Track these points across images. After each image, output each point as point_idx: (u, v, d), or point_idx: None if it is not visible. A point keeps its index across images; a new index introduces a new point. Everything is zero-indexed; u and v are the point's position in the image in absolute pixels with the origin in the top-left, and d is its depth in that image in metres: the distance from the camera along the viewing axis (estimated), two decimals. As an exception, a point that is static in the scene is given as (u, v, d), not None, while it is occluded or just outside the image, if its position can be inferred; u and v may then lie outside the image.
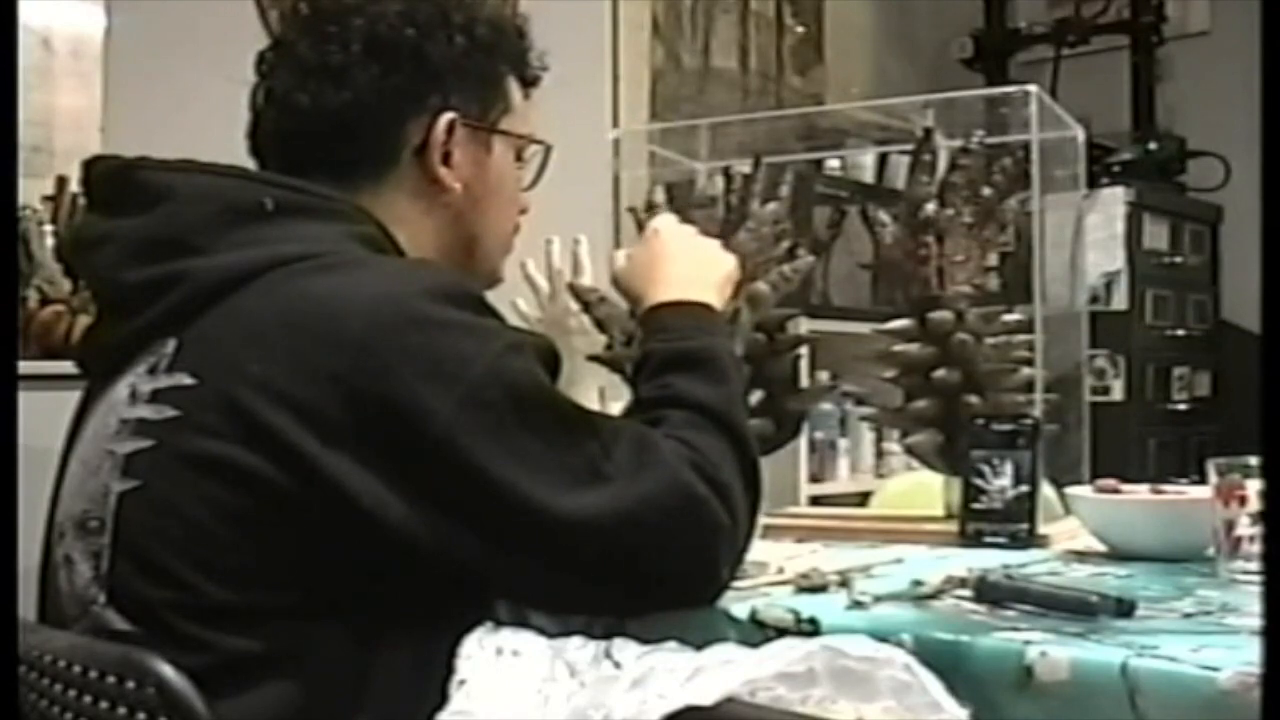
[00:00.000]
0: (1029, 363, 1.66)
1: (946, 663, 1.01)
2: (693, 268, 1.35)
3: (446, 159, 1.25)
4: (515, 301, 1.65)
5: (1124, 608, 1.10)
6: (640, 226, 1.50)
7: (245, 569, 1.04)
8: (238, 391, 1.04)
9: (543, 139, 1.36)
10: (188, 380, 1.08)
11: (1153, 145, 3.95)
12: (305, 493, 1.03)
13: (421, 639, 1.06)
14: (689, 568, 1.09)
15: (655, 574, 1.07)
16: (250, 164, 1.25)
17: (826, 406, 3.20)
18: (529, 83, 1.34)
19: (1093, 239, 3.35)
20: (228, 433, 1.04)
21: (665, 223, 1.41)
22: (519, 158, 1.34)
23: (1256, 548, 1.22)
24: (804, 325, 2.12)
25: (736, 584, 1.20)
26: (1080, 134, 1.86)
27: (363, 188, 1.22)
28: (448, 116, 1.24)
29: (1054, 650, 1.00)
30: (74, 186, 2.07)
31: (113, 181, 1.19)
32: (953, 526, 1.56)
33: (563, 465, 1.05)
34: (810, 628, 1.13)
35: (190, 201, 1.14)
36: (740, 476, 1.14)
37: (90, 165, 1.22)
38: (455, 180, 1.25)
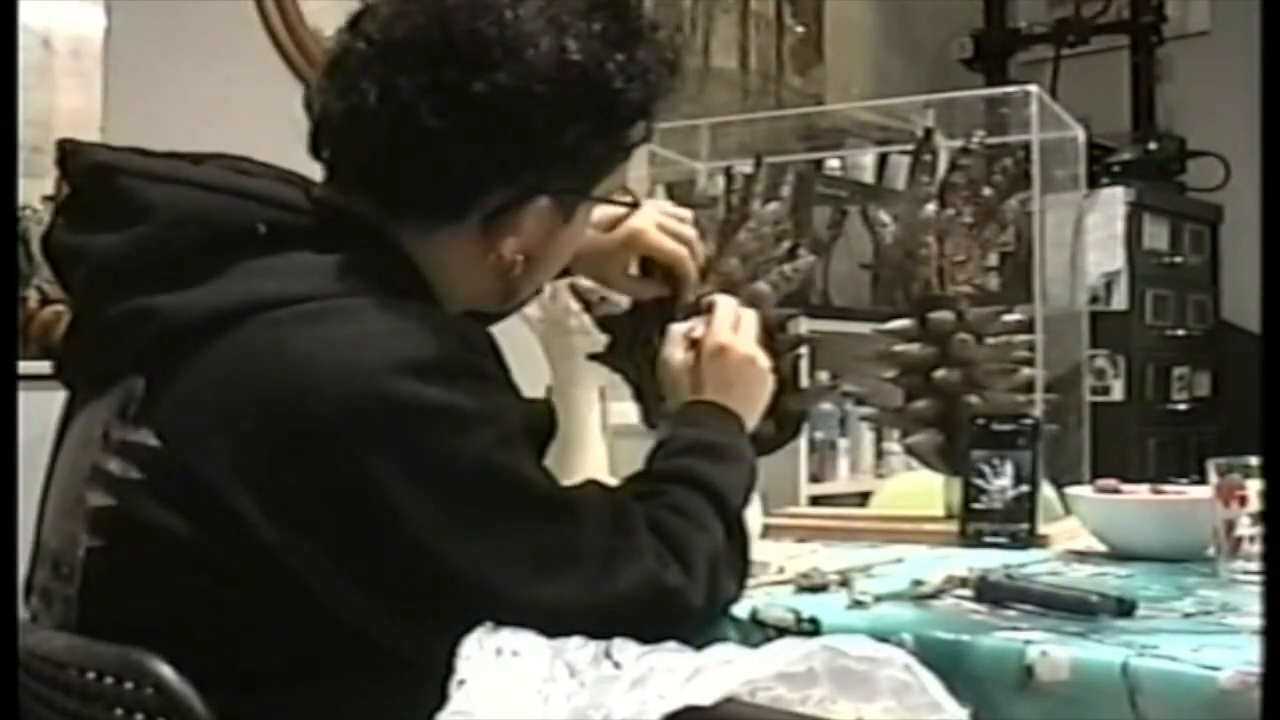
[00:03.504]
0: (1029, 363, 1.66)
1: (947, 663, 1.00)
2: (743, 396, 1.30)
3: (516, 227, 1.13)
4: (516, 302, 1.64)
5: (1124, 608, 1.10)
6: (699, 309, 1.37)
7: (201, 646, 0.99)
8: (201, 464, 0.98)
9: (632, 191, 1.24)
10: (153, 441, 1.01)
11: (1153, 145, 3.95)
12: (266, 583, 0.99)
13: (399, 685, 1.03)
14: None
15: None
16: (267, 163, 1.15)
17: (826, 406, 3.21)
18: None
19: (1093, 239, 3.34)
20: (186, 508, 0.99)
21: (727, 335, 1.31)
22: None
23: (1256, 548, 1.22)
24: (804, 325, 2.11)
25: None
26: (1080, 134, 1.86)
27: (408, 222, 1.10)
28: (538, 203, 1.12)
29: (1054, 650, 1.00)
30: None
31: (92, 185, 1.11)
32: (953, 526, 1.56)
33: (540, 560, 1.00)
34: (810, 627, 1.13)
35: (171, 225, 1.05)
36: (720, 557, 1.10)
37: (69, 156, 1.12)
38: (517, 251, 1.13)
